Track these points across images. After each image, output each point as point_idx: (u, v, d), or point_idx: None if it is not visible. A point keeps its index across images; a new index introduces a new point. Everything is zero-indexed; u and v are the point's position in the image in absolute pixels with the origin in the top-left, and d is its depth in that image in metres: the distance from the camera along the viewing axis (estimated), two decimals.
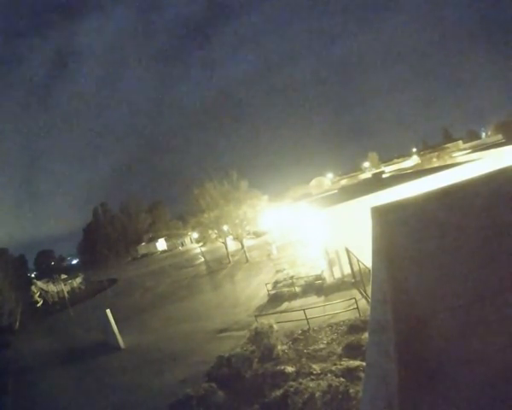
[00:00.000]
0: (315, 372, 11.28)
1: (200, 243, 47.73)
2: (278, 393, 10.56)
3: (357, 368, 10.31)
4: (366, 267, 15.08)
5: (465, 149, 60.50)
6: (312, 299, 18.97)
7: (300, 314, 15.74)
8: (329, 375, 10.76)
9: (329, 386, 9.98)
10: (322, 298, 18.55)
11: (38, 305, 53.47)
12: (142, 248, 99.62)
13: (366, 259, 13.80)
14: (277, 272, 27.22)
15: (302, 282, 21.65)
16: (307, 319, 15.31)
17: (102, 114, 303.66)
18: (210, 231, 39.34)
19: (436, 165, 42.15)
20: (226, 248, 39.48)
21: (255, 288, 25.31)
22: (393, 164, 75.79)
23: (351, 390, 9.42)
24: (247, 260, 36.70)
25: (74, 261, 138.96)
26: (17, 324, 42.17)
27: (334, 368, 11.08)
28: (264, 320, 16.02)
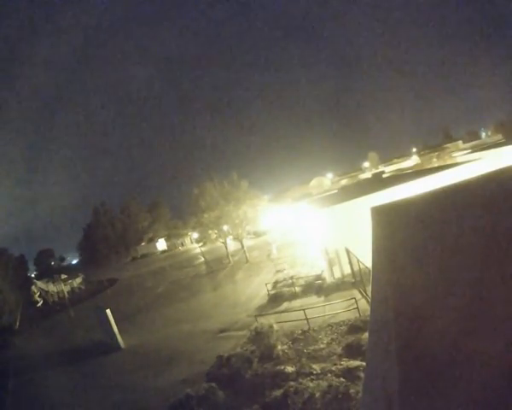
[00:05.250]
0: (315, 372, 11.27)
1: (200, 243, 47.72)
2: (278, 393, 10.56)
3: (357, 368, 10.30)
4: (366, 267, 15.09)
5: (465, 149, 60.48)
6: (312, 299, 18.97)
7: (300, 314, 15.75)
8: (329, 375, 10.76)
9: (329, 386, 9.97)
10: (322, 298, 18.55)
11: (38, 305, 53.40)
12: (142, 248, 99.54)
13: (366, 259, 13.82)
14: (277, 272, 27.23)
15: (302, 282, 21.66)
16: (307, 319, 15.31)
17: (103, 113, 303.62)
18: (210, 231, 39.30)
19: (436, 165, 42.15)
20: (226, 248, 39.46)
21: (255, 288, 25.31)
22: (393, 164, 75.72)
23: (351, 390, 9.42)
24: (247, 260, 36.71)
25: (74, 261, 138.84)
26: (17, 324, 42.15)
27: (334, 368, 11.08)
28: (264, 320, 16.02)
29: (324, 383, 10.25)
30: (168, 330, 22.07)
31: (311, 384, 10.48)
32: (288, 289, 21.38)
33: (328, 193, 42.25)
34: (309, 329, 14.99)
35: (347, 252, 19.15)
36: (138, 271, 62.74)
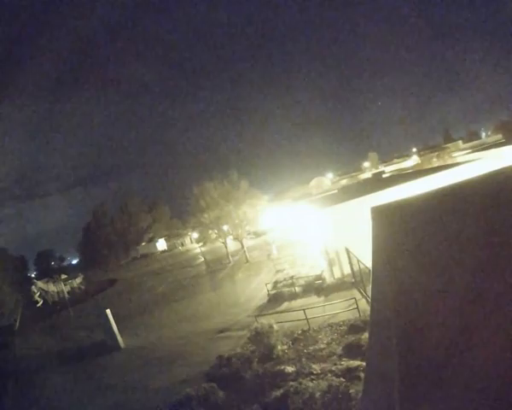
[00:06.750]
0: (315, 372, 11.27)
1: (200, 243, 47.74)
2: (278, 393, 10.56)
3: (357, 368, 10.30)
4: (366, 267, 15.09)
5: (465, 149, 60.46)
6: (312, 299, 18.97)
7: (300, 314, 15.75)
8: (329, 375, 10.75)
9: (329, 386, 9.97)
10: (322, 298, 18.55)
11: (38, 305, 53.37)
12: (142, 248, 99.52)
13: (366, 259, 13.81)
14: (277, 272, 27.22)
15: (302, 282, 21.64)
16: (307, 319, 15.31)
17: (103, 113, 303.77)
18: (210, 231, 39.32)
19: (436, 165, 42.15)
20: (226, 248, 39.46)
21: (255, 288, 25.31)
22: (393, 164, 75.69)
23: (351, 390, 9.41)
24: (247, 260, 36.69)
25: (74, 261, 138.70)
26: (17, 324, 42.14)
27: (334, 368, 11.08)
28: (264, 320, 16.01)
29: (324, 383, 10.24)
30: (168, 330, 22.07)
31: (311, 384, 10.47)
32: (288, 289, 21.38)
33: (328, 193, 42.25)
34: (309, 329, 14.99)
35: (347, 252, 19.15)
36: (138, 271, 62.74)
